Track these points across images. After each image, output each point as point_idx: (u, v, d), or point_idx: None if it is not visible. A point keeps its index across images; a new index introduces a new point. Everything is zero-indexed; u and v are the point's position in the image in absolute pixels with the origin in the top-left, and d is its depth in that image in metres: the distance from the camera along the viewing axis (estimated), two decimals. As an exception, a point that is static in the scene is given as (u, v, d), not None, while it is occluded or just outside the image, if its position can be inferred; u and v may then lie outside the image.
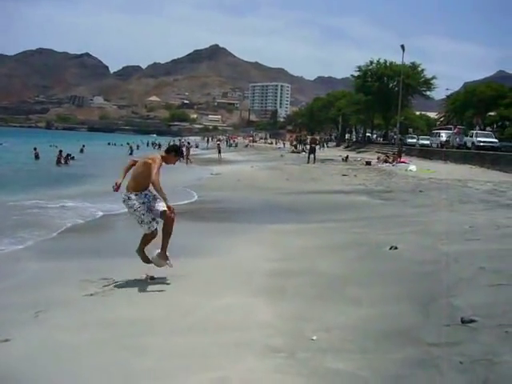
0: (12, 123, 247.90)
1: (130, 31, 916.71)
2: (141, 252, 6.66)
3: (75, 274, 7.10)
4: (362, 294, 5.55)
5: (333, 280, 6.25)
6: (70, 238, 10.67)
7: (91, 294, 6.07)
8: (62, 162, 34.22)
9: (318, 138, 55.36)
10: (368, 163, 31.72)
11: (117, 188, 6.49)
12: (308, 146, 57.94)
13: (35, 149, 38.07)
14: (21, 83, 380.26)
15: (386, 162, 33.28)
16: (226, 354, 4.07)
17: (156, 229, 6.52)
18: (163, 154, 6.60)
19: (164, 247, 6.49)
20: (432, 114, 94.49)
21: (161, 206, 6.36)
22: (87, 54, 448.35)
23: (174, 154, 6.60)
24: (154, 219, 6.46)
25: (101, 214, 13.55)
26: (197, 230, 10.91)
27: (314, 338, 4.25)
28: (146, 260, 6.68)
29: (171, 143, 61.87)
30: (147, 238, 6.56)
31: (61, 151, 35.55)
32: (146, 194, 6.47)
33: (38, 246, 9.62)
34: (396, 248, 8.19)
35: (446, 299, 5.18)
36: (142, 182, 6.40)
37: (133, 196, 6.40)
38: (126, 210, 6.62)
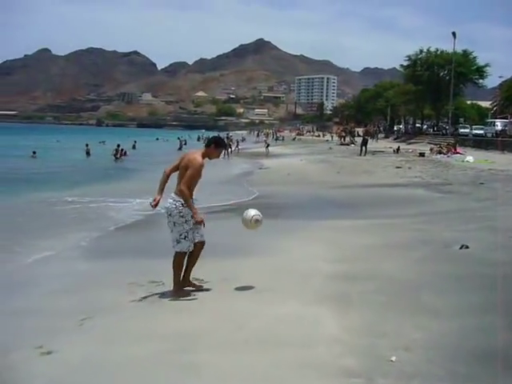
0: (64, 121, 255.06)
1: (176, 28, 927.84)
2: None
3: (124, 275, 6.74)
4: (438, 303, 4.91)
5: (403, 285, 5.61)
6: (119, 236, 10.41)
7: (139, 300, 5.67)
8: (118, 156, 35.18)
9: (371, 129, 54.05)
10: (422, 154, 30.53)
11: (155, 205, 5.78)
12: (356, 138, 57.16)
13: (87, 145, 38.51)
14: (72, 82, 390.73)
15: (440, 153, 32.00)
16: (291, 377, 3.53)
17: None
18: (203, 149, 5.83)
19: (185, 277, 5.82)
20: (484, 103, 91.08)
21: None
22: (135, 52, 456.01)
23: (214, 146, 5.75)
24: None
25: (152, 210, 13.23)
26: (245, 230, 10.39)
27: (393, 358, 3.65)
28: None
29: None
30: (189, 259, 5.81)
31: (119, 145, 36.84)
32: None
33: (88, 245, 9.38)
34: (467, 247, 7.47)
35: (539, 310, 4.50)
36: (191, 190, 5.65)
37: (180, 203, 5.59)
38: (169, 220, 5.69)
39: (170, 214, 5.62)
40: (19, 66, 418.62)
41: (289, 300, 5.31)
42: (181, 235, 5.57)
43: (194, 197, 5.67)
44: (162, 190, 5.83)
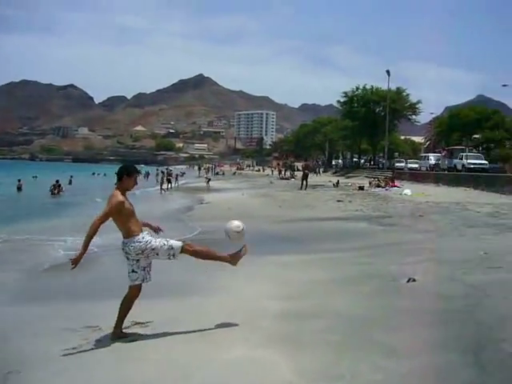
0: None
1: (115, 62, 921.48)
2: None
3: (55, 321, 6.21)
4: (393, 341, 4.71)
5: (354, 322, 5.39)
6: (49, 276, 9.73)
7: (74, 348, 5.16)
8: (56, 192, 33.99)
9: (310, 163, 54.92)
10: (361, 188, 31.13)
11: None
12: (296, 173, 57.90)
13: (19, 180, 37.38)
14: (4, 115, 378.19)
15: (378, 186, 32.74)
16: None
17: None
18: (118, 185, 5.45)
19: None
20: (416, 138, 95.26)
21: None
22: (72, 86, 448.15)
23: (126, 175, 5.39)
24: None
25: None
26: (188, 265, 9.98)
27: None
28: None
29: (159, 171, 60.84)
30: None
31: (57, 181, 35.70)
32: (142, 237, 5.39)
33: (14, 287, 8.69)
34: (414, 280, 7.39)
35: (496, 345, 4.37)
36: (127, 228, 5.33)
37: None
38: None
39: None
40: None
41: (237, 343, 4.97)
42: (139, 267, 5.38)
43: (141, 232, 5.37)
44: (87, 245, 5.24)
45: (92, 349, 5.11)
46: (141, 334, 5.47)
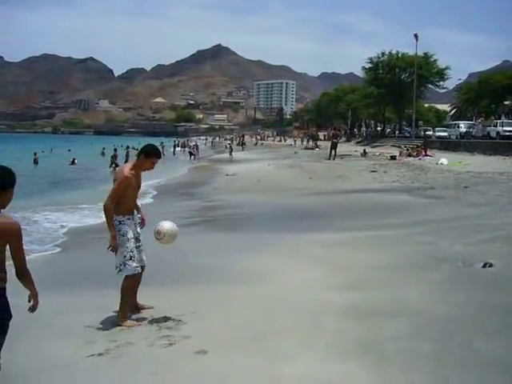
0: (18, 129, 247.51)
1: (134, 34, 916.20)
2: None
3: (75, 315, 5.28)
4: (499, 350, 3.69)
5: (443, 324, 4.35)
6: (63, 258, 8.88)
7: (100, 354, 4.24)
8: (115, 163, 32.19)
9: (340, 132, 53.30)
10: (393, 158, 29.75)
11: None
12: (319, 142, 56.34)
13: (35, 154, 37.74)
14: (26, 89, 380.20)
15: (409, 155, 31.32)
16: None
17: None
18: (135, 161, 5.17)
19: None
20: (440, 106, 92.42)
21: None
22: (91, 59, 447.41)
23: (144, 156, 5.05)
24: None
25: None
26: (221, 245, 9.05)
27: None
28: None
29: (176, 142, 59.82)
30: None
31: (116, 150, 35.25)
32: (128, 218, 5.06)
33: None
34: (491, 265, 6.32)
35: None
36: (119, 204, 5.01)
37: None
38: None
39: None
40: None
41: (299, 353, 3.98)
42: (125, 257, 4.89)
43: (132, 212, 5.07)
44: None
45: (121, 356, 4.16)
46: (175, 336, 4.51)
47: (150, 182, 19.02)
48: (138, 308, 5.25)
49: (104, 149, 47.96)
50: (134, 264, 4.93)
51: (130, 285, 5.02)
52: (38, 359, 4.21)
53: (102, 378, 3.83)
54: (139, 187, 5.14)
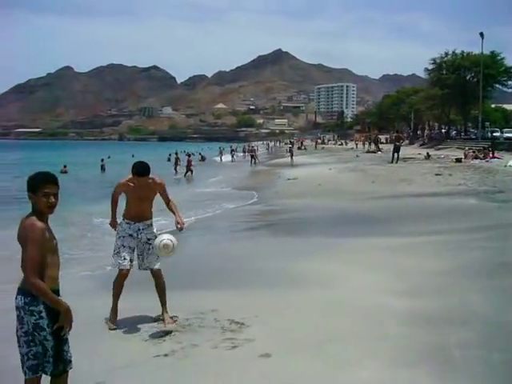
0: (87, 137, 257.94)
1: (195, 41, 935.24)
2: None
3: (142, 316, 5.47)
4: None
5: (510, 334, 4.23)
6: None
7: (165, 355, 4.39)
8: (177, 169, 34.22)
9: (403, 135, 52.22)
10: (458, 160, 28.81)
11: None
12: (381, 146, 55.34)
13: (102, 160, 38.78)
14: (94, 98, 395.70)
15: (476, 158, 30.25)
16: None
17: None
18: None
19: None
20: (508, 106, 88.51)
21: None
22: (155, 67, 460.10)
23: (132, 173, 5.36)
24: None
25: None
26: (284, 249, 9.12)
27: None
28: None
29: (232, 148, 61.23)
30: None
31: (177, 153, 37.78)
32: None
33: (98, 275, 8.09)
34: None
35: None
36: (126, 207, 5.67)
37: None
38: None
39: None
40: (42, 84, 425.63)
41: (362, 359, 3.96)
42: (113, 251, 5.48)
43: (133, 219, 5.47)
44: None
45: (186, 357, 4.29)
46: (239, 339, 4.59)
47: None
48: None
49: (170, 155, 49.36)
50: (119, 261, 5.37)
51: (117, 282, 5.40)
52: (105, 358, 4.41)
53: (167, 378, 3.96)
54: (141, 198, 5.39)
